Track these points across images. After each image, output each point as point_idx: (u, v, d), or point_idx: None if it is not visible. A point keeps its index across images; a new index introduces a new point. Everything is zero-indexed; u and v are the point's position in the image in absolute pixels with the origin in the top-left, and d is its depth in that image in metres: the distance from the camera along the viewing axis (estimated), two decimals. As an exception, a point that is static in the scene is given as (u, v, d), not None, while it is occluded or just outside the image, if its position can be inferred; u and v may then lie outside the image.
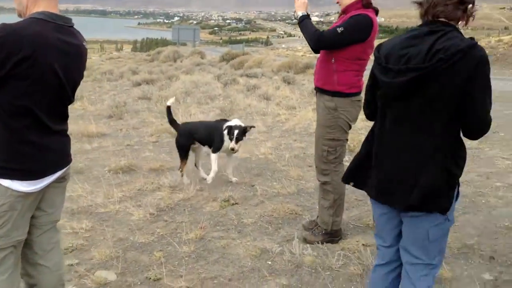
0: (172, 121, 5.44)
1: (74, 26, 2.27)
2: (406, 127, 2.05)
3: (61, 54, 2.10)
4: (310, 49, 3.56)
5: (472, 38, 1.95)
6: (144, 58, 30.00)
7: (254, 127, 4.87)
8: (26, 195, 2.10)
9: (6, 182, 2.03)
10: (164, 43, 52.33)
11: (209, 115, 9.04)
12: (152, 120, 8.64)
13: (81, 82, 2.40)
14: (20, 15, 2.19)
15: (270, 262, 3.40)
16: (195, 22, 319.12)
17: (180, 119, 7.92)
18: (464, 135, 2.06)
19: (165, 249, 3.60)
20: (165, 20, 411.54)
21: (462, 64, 1.86)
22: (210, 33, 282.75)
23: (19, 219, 2.12)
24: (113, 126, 8.36)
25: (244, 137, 4.83)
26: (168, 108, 5.46)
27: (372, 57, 2.41)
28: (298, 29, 3.68)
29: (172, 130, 7.44)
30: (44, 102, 2.09)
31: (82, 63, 2.31)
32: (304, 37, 3.45)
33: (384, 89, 2.08)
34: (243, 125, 4.85)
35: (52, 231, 2.39)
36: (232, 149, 4.78)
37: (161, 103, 10.12)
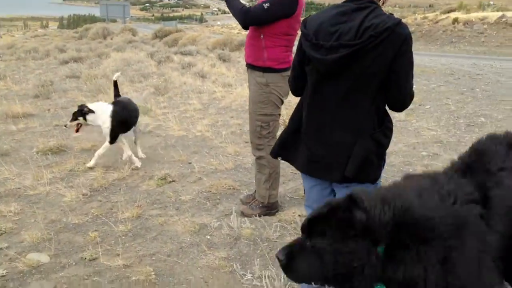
0: (117, 96, 5.28)
1: None
2: (336, 102, 2.09)
3: None
4: None
5: (392, 15, 2.03)
6: (71, 35, 28.61)
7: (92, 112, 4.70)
8: None
9: None
10: (93, 19, 49.92)
11: (142, 94, 8.83)
12: (82, 99, 8.26)
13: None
14: None
15: (209, 237, 3.43)
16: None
17: (112, 98, 7.67)
18: (390, 108, 2.16)
19: (101, 229, 3.51)
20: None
21: (389, 42, 1.93)
22: (141, 10, 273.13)
23: None
24: (40, 106, 7.92)
25: (81, 119, 4.69)
26: (115, 82, 5.32)
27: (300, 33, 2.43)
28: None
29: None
30: None
31: None
32: (232, 14, 3.44)
33: (315, 65, 2.09)
34: (84, 105, 4.71)
35: None
36: (65, 126, 4.85)
37: (90, 81, 9.72)
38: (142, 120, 6.72)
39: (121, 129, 4.82)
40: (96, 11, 66.02)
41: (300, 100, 2.33)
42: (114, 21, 38.27)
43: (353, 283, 1.59)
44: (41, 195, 4.11)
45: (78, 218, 3.66)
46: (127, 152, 4.93)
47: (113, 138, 4.78)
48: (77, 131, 4.79)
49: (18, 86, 9.77)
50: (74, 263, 3.03)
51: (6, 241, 3.31)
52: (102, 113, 4.72)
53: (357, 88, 2.04)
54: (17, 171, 4.62)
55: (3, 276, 2.88)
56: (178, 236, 3.43)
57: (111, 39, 22.70)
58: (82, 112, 4.68)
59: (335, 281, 1.63)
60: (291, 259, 1.69)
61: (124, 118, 4.82)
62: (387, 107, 2.16)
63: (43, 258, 3.07)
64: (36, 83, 9.44)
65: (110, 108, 4.76)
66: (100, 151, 4.82)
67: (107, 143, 4.79)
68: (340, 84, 2.06)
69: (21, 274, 2.91)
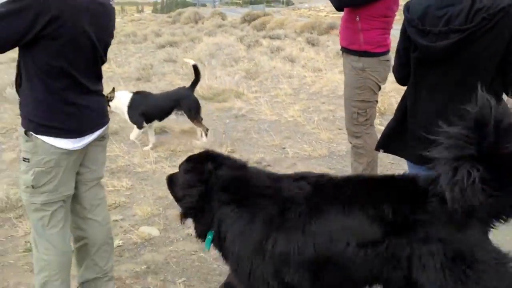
0: (195, 83, 5.52)
1: None
2: (448, 90, 2.03)
3: (90, 14, 2.12)
4: (333, 9, 3.50)
5: None
6: (165, 19, 29.77)
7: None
8: (70, 152, 2.20)
9: (51, 140, 2.13)
10: (184, 4, 51.63)
11: (234, 78, 9.04)
12: (179, 83, 8.67)
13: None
14: None
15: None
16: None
17: (206, 81, 7.97)
18: (508, 95, 2.05)
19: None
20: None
21: (504, 23, 1.83)
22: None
23: (65, 175, 2.23)
24: (142, 89, 8.40)
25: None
26: (195, 67, 5.51)
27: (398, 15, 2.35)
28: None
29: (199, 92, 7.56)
30: (79, 63, 2.15)
31: (111, 22, 2.32)
32: None
33: (423, 52, 2.02)
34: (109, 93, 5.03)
35: (97, 187, 2.50)
36: None
37: (186, 65, 10.15)
38: (235, 103, 6.95)
39: (142, 119, 5.04)
40: (187, -4, 68.16)
41: (406, 89, 2.28)
42: (204, 5, 39.42)
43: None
44: (149, 172, 4.43)
45: (181, 195, 3.90)
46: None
47: (138, 124, 5.07)
48: None
49: (121, 68, 10.46)
50: (181, 239, 3.26)
51: (120, 213, 3.63)
52: (121, 101, 5.08)
53: (470, 74, 1.96)
54: (126, 149, 5.01)
55: (119, 246, 3.17)
56: (276, 219, 3.53)
57: (202, 23, 23.39)
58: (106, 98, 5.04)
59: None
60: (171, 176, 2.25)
61: (142, 110, 5.05)
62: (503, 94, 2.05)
63: (154, 231, 3.33)
64: (137, 66, 10.06)
65: (129, 97, 5.10)
66: (132, 134, 5.14)
67: (135, 129, 5.11)
68: (452, 71, 1.99)
69: (135, 245, 3.19)
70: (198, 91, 7.56)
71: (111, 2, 2.28)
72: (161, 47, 13.91)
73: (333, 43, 13.27)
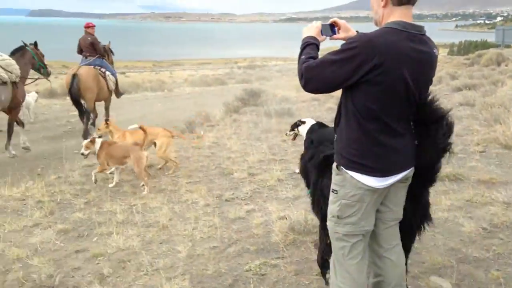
0: None
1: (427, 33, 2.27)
2: None
3: (412, 63, 2.13)
4: None
5: None
6: (462, 61, 28.34)
7: None
8: (374, 190, 2.27)
9: (358, 176, 2.26)
10: (485, 45, 47.90)
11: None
12: (477, 128, 8.05)
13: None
14: (376, 24, 2.33)
15: None
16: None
17: (510, 129, 7.12)
18: None
19: (503, 270, 3.28)
20: (486, 21, 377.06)
21: None
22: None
23: (367, 211, 2.32)
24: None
25: (296, 130, 5.84)
26: None
27: None
28: None
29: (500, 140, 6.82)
30: (393, 107, 2.19)
31: (432, 70, 2.29)
32: None
33: None
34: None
35: (395, 228, 2.51)
36: (285, 134, 6.39)
37: (486, 110, 9.33)
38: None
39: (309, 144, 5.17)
40: (488, 36, 63.30)
41: None
42: (509, 46, 35.71)
43: None
44: (440, 220, 4.19)
45: (478, 252, 3.55)
46: None
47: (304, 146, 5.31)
48: (293, 139, 6.09)
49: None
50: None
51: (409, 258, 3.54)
52: (305, 127, 5.63)
53: None
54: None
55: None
56: None
57: (506, 65, 21.20)
58: (296, 124, 5.84)
59: None
60: None
61: (312, 138, 5.29)
62: None
63: (445, 284, 3.10)
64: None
65: (310, 124, 5.61)
66: None
67: None
68: None
69: (423, 294, 3.05)
70: (500, 138, 6.87)
71: (434, 50, 2.27)
72: (457, 90, 13.25)
73: None
